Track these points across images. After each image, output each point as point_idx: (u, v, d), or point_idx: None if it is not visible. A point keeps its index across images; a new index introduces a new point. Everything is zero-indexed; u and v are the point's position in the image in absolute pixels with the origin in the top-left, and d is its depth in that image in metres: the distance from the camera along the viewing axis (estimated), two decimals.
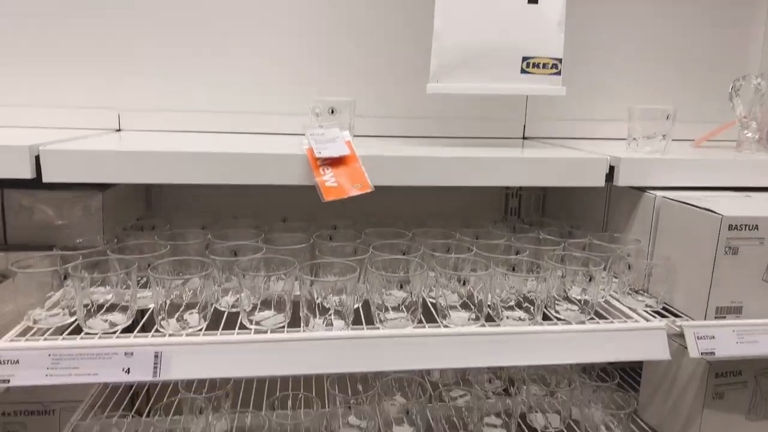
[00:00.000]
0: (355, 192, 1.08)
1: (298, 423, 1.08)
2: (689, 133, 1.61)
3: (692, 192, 1.22)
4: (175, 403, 1.19)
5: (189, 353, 0.90)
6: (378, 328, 1.00)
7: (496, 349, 0.97)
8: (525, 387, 1.31)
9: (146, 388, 1.48)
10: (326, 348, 0.93)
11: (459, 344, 0.97)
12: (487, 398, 1.21)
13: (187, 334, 0.94)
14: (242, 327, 0.99)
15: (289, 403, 1.17)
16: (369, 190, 1.08)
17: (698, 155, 1.36)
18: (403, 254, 1.17)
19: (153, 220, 1.36)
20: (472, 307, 1.06)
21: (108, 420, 1.09)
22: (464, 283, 1.03)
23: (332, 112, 1.19)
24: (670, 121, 1.30)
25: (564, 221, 1.47)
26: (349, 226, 1.37)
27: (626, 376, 1.45)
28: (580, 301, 1.11)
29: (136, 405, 1.40)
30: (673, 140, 1.32)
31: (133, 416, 1.08)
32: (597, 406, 1.16)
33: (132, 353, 0.88)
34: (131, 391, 1.38)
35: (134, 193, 1.52)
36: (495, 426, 1.20)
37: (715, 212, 1.04)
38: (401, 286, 1.01)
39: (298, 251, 1.13)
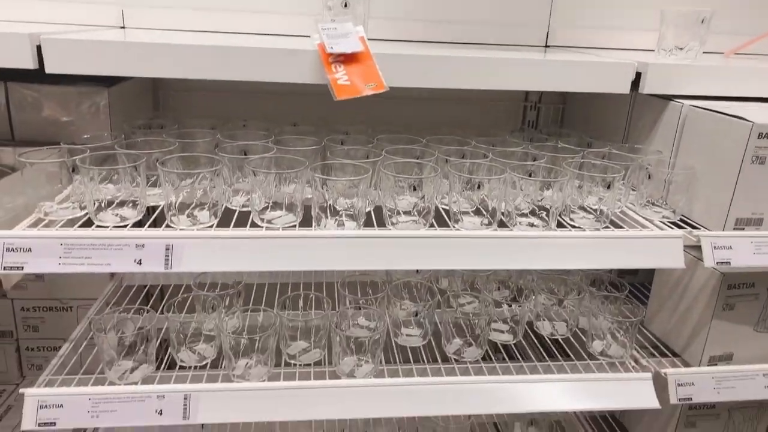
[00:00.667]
0: (368, 91, 1.03)
1: (308, 321, 1.10)
2: (720, 46, 1.52)
3: (720, 102, 1.16)
4: (189, 301, 1.21)
5: (200, 247, 0.90)
6: (389, 230, 0.99)
7: (508, 252, 0.96)
8: (533, 297, 1.31)
9: (159, 288, 1.51)
10: (337, 246, 0.93)
11: (470, 247, 0.96)
12: (496, 306, 1.22)
13: (198, 230, 0.94)
14: (253, 225, 0.98)
15: (300, 303, 1.18)
16: (383, 90, 1.03)
17: (729, 64, 1.28)
18: (417, 159, 1.14)
19: (161, 121, 1.33)
20: (485, 213, 1.05)
21: (123, 314, 1.11)
22: (479, 187, 1.01)
23: (345, 5, 1.12)
24: (705, 25, 1.22)
25: (583, 133, 1.42)
26: (362, 131, 1.33)
27: (636, 290, 1.46)
28: (595, 210, 1.09)
29: (150, 303, 1.43)
30: (703, 53, 1.25)
31: (147, 311, 1.10)
32: (604, 316, 1.17)
33: (143, 245, 0.88)
34: (145, 291, 1.41)
35: (142, 94, 1.48)
36: (502, 331, 1.22)
37: (745, 119, 0.99)
38: (414, 189, 0.99)
39: (309, 153, 1.10)
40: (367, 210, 1.07)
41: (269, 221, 0.99)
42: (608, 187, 1.05)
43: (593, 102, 1.53)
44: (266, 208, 1.01)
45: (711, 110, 1.09)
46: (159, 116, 1.49)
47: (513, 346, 1.22)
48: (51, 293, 1.47)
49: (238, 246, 0.91)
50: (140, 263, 0.88)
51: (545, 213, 1.06)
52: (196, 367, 1.08)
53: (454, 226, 1.02)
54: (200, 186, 0.99)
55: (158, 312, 1.14)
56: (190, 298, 1.21)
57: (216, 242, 0.90)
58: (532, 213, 1.08)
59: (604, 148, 1.22)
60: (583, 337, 1.23)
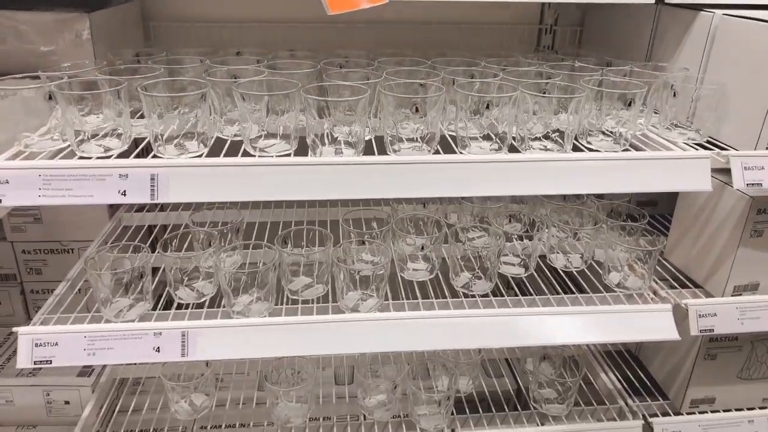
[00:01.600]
0: (365, 4, 0.94)
1: (310, 255, 1.05)
2: None
3: (755, 11, 1.05)
4: (188, 239, 1.17)
5: (188, 176, 0.84)
6: (390, 156, 0.92)
7: (518, 177, 0.89)
8: (547, 229, 1.25)
9: (158, 227, 1.47)
10: (336, 173, 0.87)
11: (477, 171, 0.89)
12: (507, 240, 1.16)
13: (186, 159, 0.88)
14: (246, 154, 0.92)
15: (303, 239, 1.13)
16: (383, 2, 0.94)
17: None
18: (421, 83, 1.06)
19: (150, 51, 1.25)
20: (495, 138, 0.97)
21: (119, 253, 1.07)
22: (488, 107, 0.93)
23: None
24: None
25: (603, 54, 1.31)
26: (362, 56, 1.24)
27: (655, 222, 1.39)
28: (614, 133, 1.01)
29: (149, 243, 1.39)
30: None
31: (143, 249, 1.06)
32: (622, 246, 1.10)
33: (127, 175, 0.83)
34: (144, 230, 1.37)
35: (130, 24, 1.40)
36: (512, 264, 1.16)
37: None
38: (417, 110, 0.92)
39: (303, 77, 1.02)
40: (367, 138, 1.00)
41: (262, 149, 0.93)
42: (628, 105, 0.96)
43: (614, 21, 1.41)
44: (260, 137, 0.94)
45: (746, 17, 0.98)
46: (149, 47, 1.41)
47: (524, 280, 1.16)
48: (51, 235, 1.43)
49: (227, 174, 0.85)
50: (125, 194, 0.83)
51: (560, 136, 0.99)
52: (195, 305, 1.04)
53: (461, 152, 0.95)
54: (188, 114, 0.92)
55: (156, 251, 1.10)
56: (189, 236, 1.17)
57: (204, 171, 0.84)
58: (546, 137, 1.00)
59: (625, 67, 1.12)
60: (599, 269, 1.17)
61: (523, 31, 1.57)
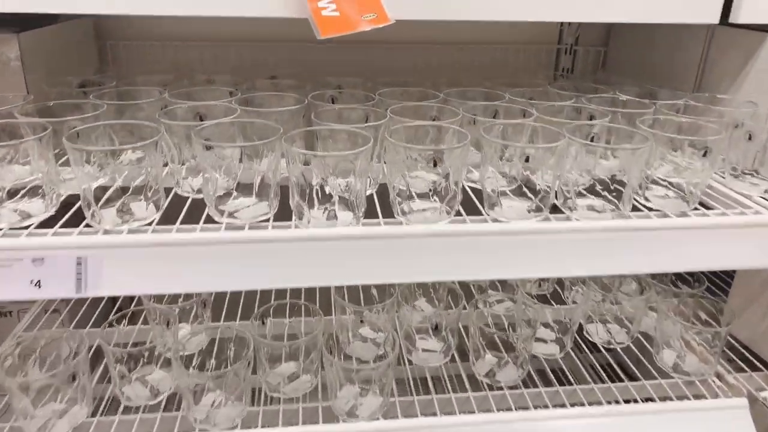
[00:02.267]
0: (365, 25, 0.73)
1: (293, 344, 0.83)
2: None
3: None
4: (140, 318, 0.95)
5: (128, 259, 0.62)
6: (400, 223, 0.70)
7: (573, 251, 0.68)
8: (579, 290, 1.04)
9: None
10: (327, 253, 0.65)
11: (519, 246, 0.68)
12: (534, 303, 0.95)
13: (129, 231, 0.65)
14: (210, 221, 0.70)
15: (287, 314, 0.91)
16: (387, 23, 0.73)
17: None
18: (433, 119, 0.85)
19: (102, 79, 1.03)
20: (529, 192, 0.76)
21: (58, 331, 0.85)
22: (527, 160, 0.72)
23: None
24: None
25: (634, 80, 1.12)
26: (359, 85, 1.03)
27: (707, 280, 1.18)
28: (671, 183, 0.81)
29: (98, 310, 1.16)
30: None
31: (91, 327, 0.83)
32: (676, 319, 0.90)
33: (42, 259, 0.60)
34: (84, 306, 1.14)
35: (79, 45, 1.18)
36: (544, 341, 0.95)
37: None
38: (434, 164, 0.71)
39: (287, 116, 0.81)
40: (369, 193, 0.79)
41: (232, 213, 0.71)
42: (704, 154, 0.76)
43: (647, 42, 1.22)
44: (229, 194, 0.73)
45: None
46: (103, 71, 1.18)
47: (559, 360, 0.95)
48: None
49: (183, 256, 0.63)
50: (39, 286, 0.60)
51: (604, 188, 0.78)
52: (148, 408, 0.82)
53: (489, 215, 0.74)
54: (134, 168, 0.70)
55: (104, 327, 0.87)
56: (143, 313, 0.94)
57: (151, 252, 0.62)
58: (591, 190, 0.80)
59: (678, 100, 0.92)
60: (648, 346, 0.96)
61: (539, 52, 1.37)
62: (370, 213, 0.72)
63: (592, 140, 0.78)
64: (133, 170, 0.70)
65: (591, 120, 0.86)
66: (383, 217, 0.71)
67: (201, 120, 0.82)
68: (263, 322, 0.87)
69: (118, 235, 0.64)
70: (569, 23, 1.34)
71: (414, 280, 0.66)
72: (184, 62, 1.25)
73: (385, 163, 0.81)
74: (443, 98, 0.91)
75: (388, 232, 0.66)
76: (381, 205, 0.76)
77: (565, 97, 0.93)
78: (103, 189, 0.68)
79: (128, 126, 0.75)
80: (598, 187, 0.79)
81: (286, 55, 1.27)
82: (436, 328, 0.89)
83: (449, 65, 1.31)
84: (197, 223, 0.67)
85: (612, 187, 0.77)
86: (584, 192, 0.79)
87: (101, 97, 0.86)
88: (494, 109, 0.87)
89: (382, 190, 0.77)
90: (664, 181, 0.81)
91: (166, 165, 0.78)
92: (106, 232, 0.65)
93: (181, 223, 0.67)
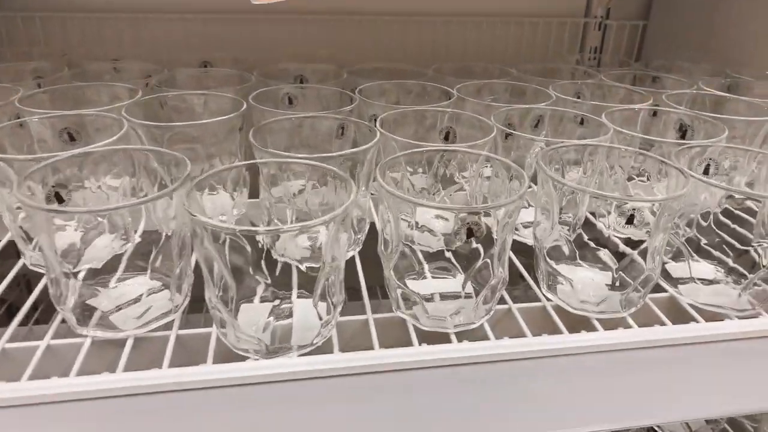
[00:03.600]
0: None
1: None
2: None
3: None
4: None
5: None
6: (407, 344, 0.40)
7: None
8: None
9: None
10: (277, 410, 0.35)
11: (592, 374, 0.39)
12: None
13: None
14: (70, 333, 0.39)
15: None
16: None
17: None
18: (446, 137, 0.55)
19: None
20: (608, 257, 0.47)
21: None
22: (628, 219, 0.42)
23: None
24: None
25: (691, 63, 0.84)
26: (329, 76, 0.72)
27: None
28: None
29: None
30: None
31: None
32: None
33: None
34: None
35: None
36: None
37: None
38: (470, 232, 0.40)
39: (214, 132, 0.50)
40: (349, 254, 0.49)
41: (104, 323, 0.40)
42: None
43: (710, 17, 0.93)
44: (111, 274, 0.42)
45: None
46: None
47: None
48: None
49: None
50: None
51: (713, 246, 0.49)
52: None
53: (545, 296, 0.44)
54: None
55: None
56: None
57: None
58: (697, 248, 0.51)
59: None
60: None
61: (561, 28, 1.07)
62: (351, 309, 0.42)
63: (706, 172, 0.48)
64: None
65: (681, 130, 0.57)
66: (374, 315, 0.41)
67: (71, 139, 0.50)
68: None
69: None
70: None
71: None
72: (95, 38, 0.91)
73: (372, 204, 0.51)
74: (457, 98, 0.60)
75: (379, 365, 0.36)
76: (369, 284, 0.46)
77: (638, 98, 0.63)
78: None
79: None
80: (704, 243, 0.50)
81: (225, 31, 0.94)
82: None
83: (441, 44, 1.00)
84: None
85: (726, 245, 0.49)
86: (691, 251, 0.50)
87: None
88: (537, 116, 0.57)
89: (371, 243, 0.47)
90: None
91: None
92: None
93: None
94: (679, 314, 0.44)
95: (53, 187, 0.40)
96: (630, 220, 0.40)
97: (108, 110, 0.50)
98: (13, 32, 0.89)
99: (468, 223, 0.37)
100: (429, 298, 0.42)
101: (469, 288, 0.42)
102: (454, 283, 0.43)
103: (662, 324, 0.41)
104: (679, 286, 0.46)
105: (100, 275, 0.42)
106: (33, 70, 0.68)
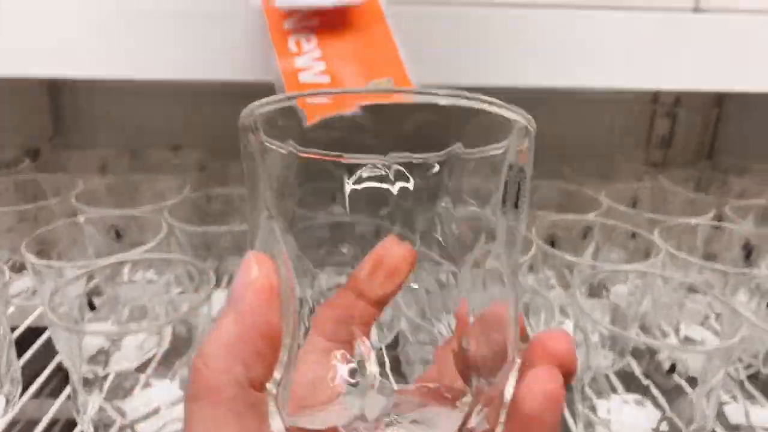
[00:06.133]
0: (375, 97, 0.43)
1: None
2: None
3: None
4: None
5: None
6: None
7: None
8: None
9: None
10: None
11: None
12: None
13: None
14: None
15: None
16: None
17: None
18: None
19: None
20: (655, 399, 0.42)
21: None
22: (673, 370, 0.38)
23: None
24: None
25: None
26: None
27: None
28: None
29: None
30: None
31: None
32: None
33: None
34: None
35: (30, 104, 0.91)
36: None
37: None
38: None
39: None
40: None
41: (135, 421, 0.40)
42: None
43: None
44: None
45: None
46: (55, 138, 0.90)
47: None
48: None
49: None
50: None
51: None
52: None
53: None
54: None
55: None
56: None
57: None
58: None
59: None
60: None
61: (621, 113, 1.02)
62: None
63: None
64: None
65: (746, 248, 0.52)
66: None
67: (117, 236, 0.52)
68: None
69: None
70: None
71: None
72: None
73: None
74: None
75: None
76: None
77: (699, 205, 0.58)
78: None
79: None
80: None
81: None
82: None
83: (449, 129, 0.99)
84: None
85: None
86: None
87: None
88: (584, 228, 0.54)
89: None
90: None
91: None
92: None
93: None
94: None
95: (87, 294, 0.41)
96: (672, 369, 0.36)
97: (152, 211, 0.52)
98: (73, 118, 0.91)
99: None
100: None
101: None
102: None
103: None
104: None
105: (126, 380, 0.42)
106: (98, 158, 0.72)
